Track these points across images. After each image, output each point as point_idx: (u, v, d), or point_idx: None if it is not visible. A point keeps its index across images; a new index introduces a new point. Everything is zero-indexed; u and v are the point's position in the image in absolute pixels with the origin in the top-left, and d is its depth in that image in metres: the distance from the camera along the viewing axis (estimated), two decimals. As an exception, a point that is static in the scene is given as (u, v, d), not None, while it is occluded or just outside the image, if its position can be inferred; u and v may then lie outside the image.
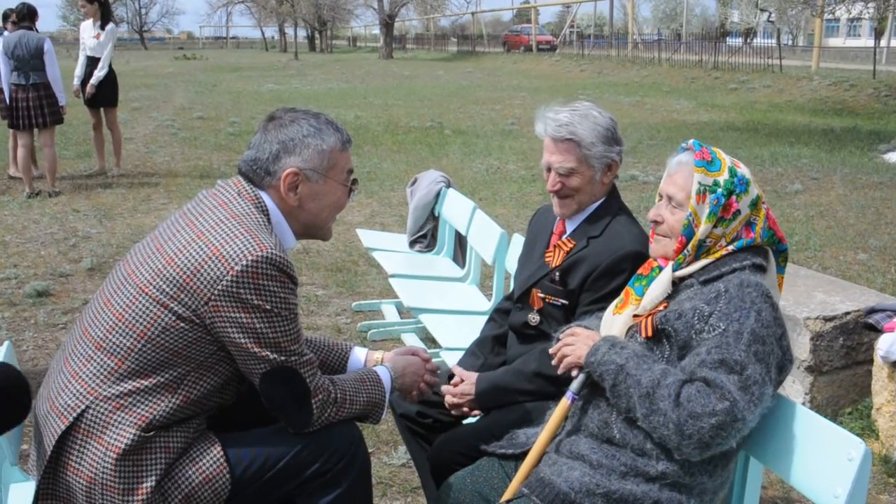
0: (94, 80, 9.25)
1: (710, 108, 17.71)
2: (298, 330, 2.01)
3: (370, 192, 8.81)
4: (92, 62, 9.32)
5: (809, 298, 3.81)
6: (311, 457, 2.07)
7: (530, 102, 17.98)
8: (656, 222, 2.11)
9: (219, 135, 13.11)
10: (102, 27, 9.31)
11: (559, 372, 2.14)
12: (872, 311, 3.64)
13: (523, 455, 2.13)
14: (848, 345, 3.69)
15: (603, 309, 2.25)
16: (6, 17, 8.97)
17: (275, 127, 2.11)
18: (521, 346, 2.61)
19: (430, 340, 4.50)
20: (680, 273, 2.07)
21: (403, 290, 4.39)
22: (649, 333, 1.99)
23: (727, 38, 36.36)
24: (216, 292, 1.90)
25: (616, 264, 2.38)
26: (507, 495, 2.05)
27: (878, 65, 21.07)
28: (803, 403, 3.61)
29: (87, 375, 1.96)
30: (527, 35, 45.09)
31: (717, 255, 2.04)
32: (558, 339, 2.18)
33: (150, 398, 1.95)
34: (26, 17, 8.45)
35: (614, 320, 2.14)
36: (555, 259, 2.52)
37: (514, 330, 2.67)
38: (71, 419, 1.93)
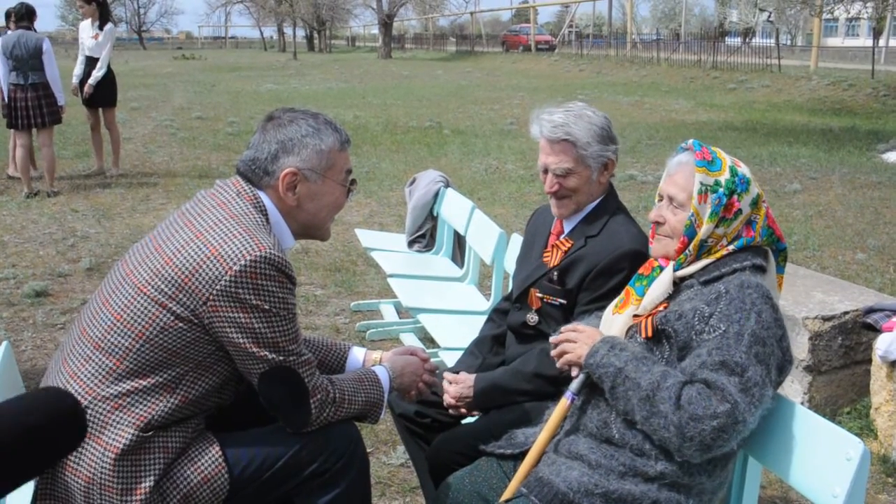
0: (91, 80, 9.24)
1: (708, 107, 17.72)
2: (297, 330, 2.00)
3: (369, 191, 8.81)
4: (91, 62, 9.31)
5: (808, 298, 3.81)
6: (310, 456, 2.07)
7: (529, 102, 17.99)
8: (658, 223, 2.11)
9: (217, 135, 13.10)
10: (101, 27, 9.30)
11: (558, 365, 2.13)
12: (871, 310, 3.64)
13: (522, 455, 2.13)
14: (846, 344, 3.69)
15: (601, 308, 2.25)
16: (8, 16, 8.96)
17: (273, 127, 2.11)
18: (519, 346, 2.61)
19: (428, 340, 4.50)
20: (681, 273, 2.07)
21: (402, 289, 4.39)
22: (649, 334, 1.99)
23: (726, 38, 36.38)
24: (214, 292, 1.90)
25: (614, 263, 2.39)
26: (506, 495, 2.05)
27: (877, 64, 21.10)
28: (802, 403, 3.61)
29: (85, 375, 1.96)
30: (525, 35, 45.12)
31: (718, 254, 2.04)
32: (559, 332, 2.16)
33: (148, 398, 1.95)
34: (24, 16, 8.44)
35: (614, 320, 2.14)
36: (553, 259, 2.52)
37: (513, 330, 2.67)
38: (69, 419, 1.92)
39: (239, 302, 1.90)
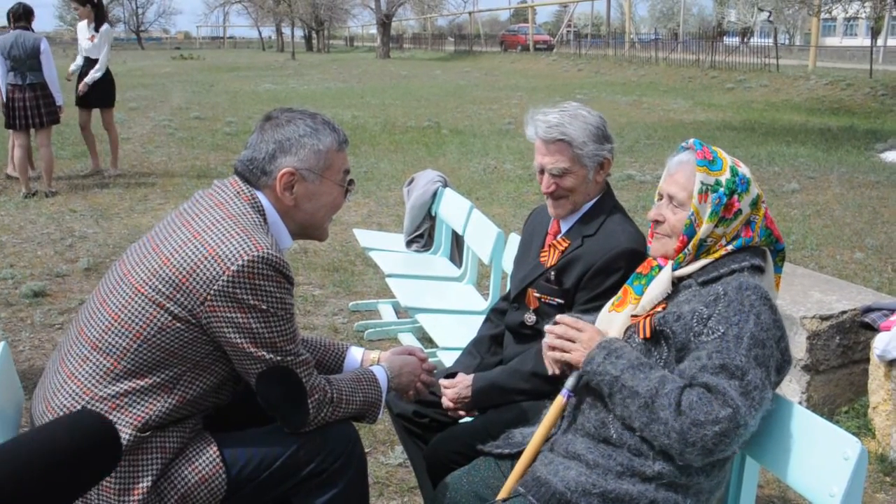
0: (88, 79, 9.23)
1: (706, 107, 17.72)
2: (294, 330, 2.00)
3: (367, 191, 8.80)
4: (89, 63, 9.30)
5: (806, 297, 3.81)
6: (308, 457, 2.07)
7: (527, 102, 17.97)
8: (657, 221, 2.11)
9: (216, 135, 13.09)
10: (97, 29, 9.29)
11: (548, 362, 2.11)
12: (869, 309, 3.64)
13: (520, 454, 2.13)
14: (844, 344, 3.69)
15: (598, 308, 2.25)
16: (9, 17, 8.94)
17: (271, 127, 2.11)
18: (517, 345, 2.61)
19: (426, 340, 4.50)
20: (679, 273, 2.07)
21: (400, 289, 4.39)
22: (647, 334, 1.98)
23: (724, 38, 36.40)
24: (212, 292, 1.90)
25: (611, 263, 2.39)
26: (502, 493, 2.04)
27: (875, 64, 21.14)
28: (800, 402, 3.61)
29: (82, 376, 1.96)
30: (524, 35, 45.12)
31: (717, 254, 2.04)
32: (555, 322, 2.13)
33: (146, 398, 1.95)
34: (22, 16, 8.42)
35: (612, 319, 2.14)
36: (550, 259, 2.52)
37: (511, 330, 2.67)
38: (67, 419, 1.92)
39: (236, 302, 1.90)
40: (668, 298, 2.05)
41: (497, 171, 10.10)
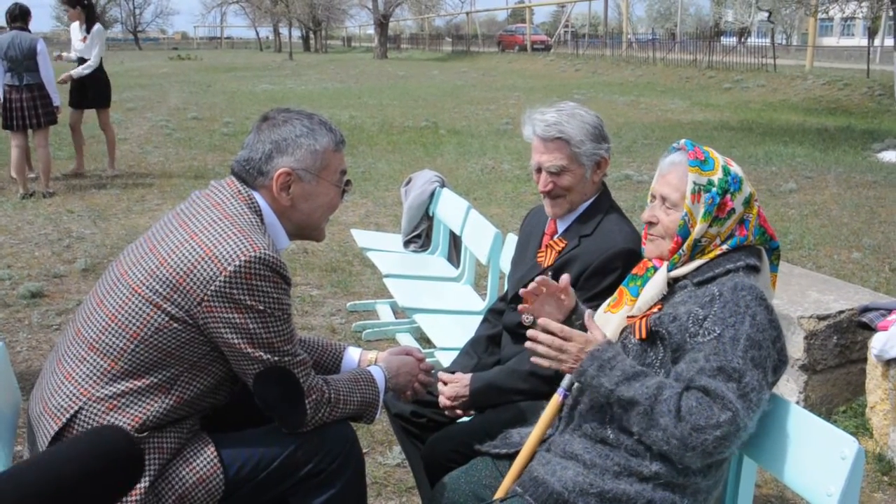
0: (74, 73, 9.22)
1: (704, 107, 17.74)
2: (292, 330, 2.00)
3: (365, 192, 8.80)
4: (82, 63, 9.30)
5: (803, 297, 3.82)
6: (306, 457, 2.07)
7: (525, 102, 17.95)
8: (650, 223, 2.11)
9: (213, 135, 13.09)
10: (88, 30, 9.28)
11: (535, 361, 2.05)
12: (866, 309, 3.65)
13: (517, 454, 2.13)
14: (842, 343, 3.70)
15: (596, 308, 2.25)
16: (6, 17, 8.93)
17: (268, 127, 2.11)
18: (515, 345, 2.61)
19: (424, 340, 4.50)
20: (675, 273, 2.07)
21: (398, 290, 4.39)
22: (643, 335, 1.98)
23: (721, 38, 36.45)
24: (209, 293, 1.90)
25: (608, 263, 2.39)
26: (499, 493, 2.05)
27: (872, 64, 21.16)
28: (797, 402, 3.61)
29: (80, 376, 1.96)
30: (521, 35, 45.11)
31: (712, 254, 2.04)
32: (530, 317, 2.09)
33: (143, 399, 1.95)
34: (19, 17, 8.41)
35: (608, 320, 2.14)
36: (547, 259, 2.52)
37: (508, 330, 2.67)
38: (64, 420, 1.92)
39: (233, 302, 1.90)
40: (664, 299, 2.05)
41: (495, 172, 10.10)
